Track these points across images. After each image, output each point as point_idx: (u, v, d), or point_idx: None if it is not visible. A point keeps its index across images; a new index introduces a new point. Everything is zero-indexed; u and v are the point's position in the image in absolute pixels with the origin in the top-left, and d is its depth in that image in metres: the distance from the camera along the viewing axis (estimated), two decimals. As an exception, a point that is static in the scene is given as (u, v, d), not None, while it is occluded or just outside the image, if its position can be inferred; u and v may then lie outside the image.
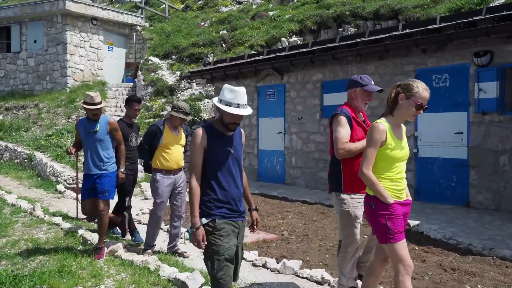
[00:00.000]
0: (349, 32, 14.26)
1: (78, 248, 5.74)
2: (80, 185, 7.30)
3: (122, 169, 5.81)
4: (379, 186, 3.21)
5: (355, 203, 3.94)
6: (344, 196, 3.94)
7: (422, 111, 3.24)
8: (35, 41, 18.37)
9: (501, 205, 7.46)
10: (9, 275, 4.62)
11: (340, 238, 4.10)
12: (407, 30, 8.60)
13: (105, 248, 5.42)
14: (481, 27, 7.42)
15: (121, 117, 6.51)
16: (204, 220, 3.21)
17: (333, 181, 4.06)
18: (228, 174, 3.31)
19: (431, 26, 8.23)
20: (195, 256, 5.58)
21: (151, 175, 5.69)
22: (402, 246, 3.20)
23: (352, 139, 3.89)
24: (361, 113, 4.18)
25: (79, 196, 6.58)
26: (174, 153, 5.53)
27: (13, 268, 5.01)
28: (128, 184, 6.33)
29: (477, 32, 7.49)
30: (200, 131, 3.29)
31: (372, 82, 4.14)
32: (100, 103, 5.50)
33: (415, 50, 8.48)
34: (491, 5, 10.21)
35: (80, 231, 6.38)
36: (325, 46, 9.99)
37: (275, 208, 8.22)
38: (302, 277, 4.71)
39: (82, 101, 5.47)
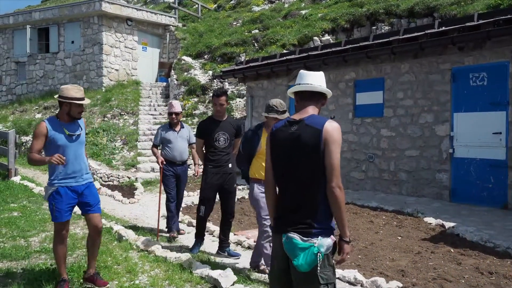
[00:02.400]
0: (382, 31, 14.05)
1: (113, 244, 5.87)
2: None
3: (200, 162, 5.95)
4: None
5: None
6: None
7: None
8: (72, 42, 18.86)
9: (541, 208, 7.21)
10: (49, 269, 4.78)
11: None
12: (443, 28, 8.41)
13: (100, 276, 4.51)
14: (522, 24, 7.19)
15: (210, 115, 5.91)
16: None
17: None
18: None
19: (468, 24, 8.03)
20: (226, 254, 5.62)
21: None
22: None
23: None
24: None
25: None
26: None
27: (52, 262, 5.17)
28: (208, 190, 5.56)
29: (517, 29, 7.27)
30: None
31: None
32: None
33: (451, 48, 8.28)
34: (532, 1, 9.88)
35: (116, 227, 6.52)
36: (358, 45, 9.87)
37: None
38: (334, 277, 4.68)
39: (62, 95, 4.23)
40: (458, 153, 8.30)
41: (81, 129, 4.43)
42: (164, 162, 6.52)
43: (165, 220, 6.85)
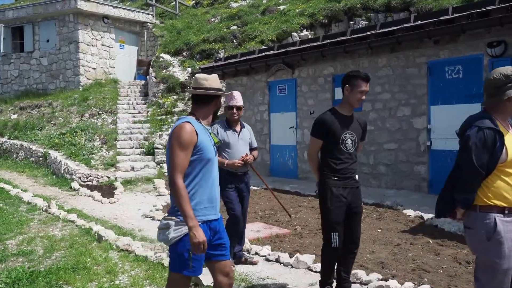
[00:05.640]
0: (360, 25, 14.14)
1: (93, 244, 5.81)
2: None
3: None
4: None
5: None
6: None
7: None
8: (47, 41, 18.55)
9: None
10: (26, 272, 4.70)
11: None
12: (419, 22, 8.51)
13: None
14: (494, 17, 7.31)
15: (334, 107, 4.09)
16: None
17: None
18: None
19: (443, 17, 8.14)
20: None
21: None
22: None
23: None
24: None
25: None
26: None
27: (30, 264, 5.09)
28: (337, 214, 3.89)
29: (490, 22, 7.38)
30: None
31: None
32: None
33: (427, 42, 8.39)
34: (504, -6, 10.04)
35: (95, 228, 6.45)
36: (335, 40, 9.93)
37: (288, 203, 8.22)
38: (315, 271, 4.70)
39: (210, 86, 3.06)
40: (436, 145, 8.42)
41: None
42: (249, 158, 4.99)
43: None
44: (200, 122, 2.98)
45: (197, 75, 3.13)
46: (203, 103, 3.04)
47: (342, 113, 3.92)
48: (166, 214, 2.95)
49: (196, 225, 2.73)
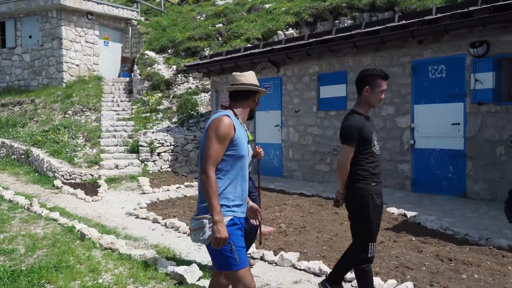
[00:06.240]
0: (345, 24, 14.20)
1: (76, 243, 5.74)
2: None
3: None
4: None
5: None
6: None
7: None
8: (30, 37, 18.27)
9: (497, 196, 7.47)
10: (7, 271, 4.64)
11: None
12: (403, 22, 8.58)
13: None
14: (477, 18, 7.40)
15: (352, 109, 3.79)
16: None
17: None
18: None
19: (427, 17, 8.21)
20: (192, 250, 5.59)
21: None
22: None
23: None
24: None
25: None
26: None
27: (11, 263, 5.02)
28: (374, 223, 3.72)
29: (473, 23, 7.47)
30: None
31: None
32: None
33: (411, 42, 8.46)
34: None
35: (78, 226, 6.38)
36: (321, 38, 9.95)
37: (273, 201, 8.23)
38: (300, 269, 4.72)
39: (251, 83, 3.08)
40: (419, 144, 8.50)
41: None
42: (261, 151, 4.65)
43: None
44: (238, 118, 2.97)
45: (233, 73, 3.13)
46: (241, 99, 3.04)
47: (364, 114, 3.70)
48: (194, 214, 2.90)
49: (222, 220, 2.70)
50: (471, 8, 7.65)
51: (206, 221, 2.76)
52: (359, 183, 3.60)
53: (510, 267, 4.59)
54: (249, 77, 3.07)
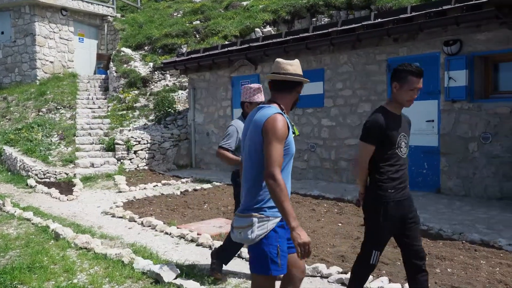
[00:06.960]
0: (322, 22, 14.29)
1: (50, 243, 5.64)
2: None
3: None
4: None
5: None
6: None
7: None
8: (2, 33, 17.87)
9: (470, 191, 7.63)
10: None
11: None
12: (379, 20, 8.67)
13: None
14: (451, 16, 7.53)
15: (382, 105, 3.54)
16: None
17: None
18: None
19: (402, 16, 8.32)
20: (169, 248, 5.55)
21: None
22: None
23: None
24: None
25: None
26: None
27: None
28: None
29: (446, 21, 7.61)
30: None
31: None
32: None
33: (387, 40, 8.56)
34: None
35: (52, 226, 6.27)
36: (298, 36, 9.99)
37: (251, 198, 8.23)
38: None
39: (295, 73, 2.81)
40: (395, 141, 8.60)
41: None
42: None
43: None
44: (285, 113, 2.74)
45: (278, 59, 2.81)
46: (286, 90, 2.80)
47: (393, 112, 3.39)
48: (238, 212, 2.76)
49: (299, 225, 2.50)
50: (444, 7, 7.78)
51: (256, 219, 2.62)
52: (375, 188, 3.34)
53: (482, 261, 4.69)
54: (296, 67, 2.80)
